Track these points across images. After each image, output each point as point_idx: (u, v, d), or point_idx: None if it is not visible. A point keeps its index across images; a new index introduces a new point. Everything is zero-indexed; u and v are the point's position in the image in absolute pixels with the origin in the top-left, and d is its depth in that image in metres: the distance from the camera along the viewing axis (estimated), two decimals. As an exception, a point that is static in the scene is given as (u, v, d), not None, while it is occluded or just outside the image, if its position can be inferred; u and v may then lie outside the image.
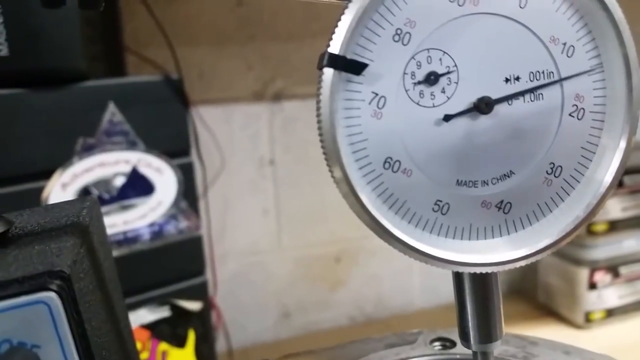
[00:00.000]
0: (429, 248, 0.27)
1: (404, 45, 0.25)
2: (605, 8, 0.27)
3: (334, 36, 0.24)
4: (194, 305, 0.70)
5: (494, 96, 0.26)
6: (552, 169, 0.28)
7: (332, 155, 0.25)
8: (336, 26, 0.24)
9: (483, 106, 0.26)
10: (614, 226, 0.92)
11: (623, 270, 0.94)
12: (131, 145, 0.66)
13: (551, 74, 0.27)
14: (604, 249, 0.93)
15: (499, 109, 0.27)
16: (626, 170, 0.28)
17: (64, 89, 0.61)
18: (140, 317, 0.65)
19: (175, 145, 0.70)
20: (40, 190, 0.61)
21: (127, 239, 0.66)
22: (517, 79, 0.27)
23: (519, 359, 0.37)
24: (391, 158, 0.26)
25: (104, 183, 0.65)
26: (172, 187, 0.69)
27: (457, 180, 0.27)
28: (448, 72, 0.26)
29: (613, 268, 0.93)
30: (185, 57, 0.77)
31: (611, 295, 0.94)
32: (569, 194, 0.28)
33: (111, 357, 0.29)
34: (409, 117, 0.26)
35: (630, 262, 0.95)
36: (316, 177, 0.93)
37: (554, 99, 0.27)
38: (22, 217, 0.32)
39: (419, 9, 0.25)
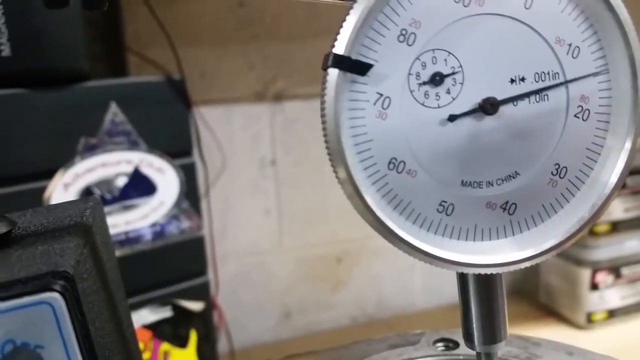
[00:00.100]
0: (433, 249, 0.26)
1: (409, 45, 0.25)
2: (611, 9, 0.26)
3: (338, 37, 0.24)
4: (195, 306, 0.70)
5: (499, 97, 0.26)
6: (557, 170, 0.28)
7: (336, 156, 0.25)
8: (341, 27, 0.24)
9: (488, 107, 0.26)
10: (616, 227, 0.92)
11: (625, 271, 0.94)
12: (133, 146, 0.66)
13: (556, 74, 0.27)
14: (606, 250, 0.93)
15: (504, 109, 0.27)
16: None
17: (66, 89, 0.61)
18: (142, 318, 0.65)
19: (177, 145, 0.70)
20: (42, 190, 0.60)
21: (129, 239, 0.66)
22: (523, 79, 0.27)
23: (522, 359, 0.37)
24: (396, 159, 0.26)
25: (106, 183, 0.65)
26: (174, 188, 0.69)
27: (462, 181, 0.27)
28: (453, 73, 0.26)
29: (615, 269, 0.93)
30: (186, 57, 0.77)
31: (613, 296, 0.94)
32: (574, 195, 0.28)
33: (114, 357, 0.29)
34: (414, 117, 0.26)
35: (632, 263, 0.95)
36: (317, 178, 0.93)
37: (559, 100, 0.27)
38: (25, 218, 0.32)
39: (424, 9, 0.25)
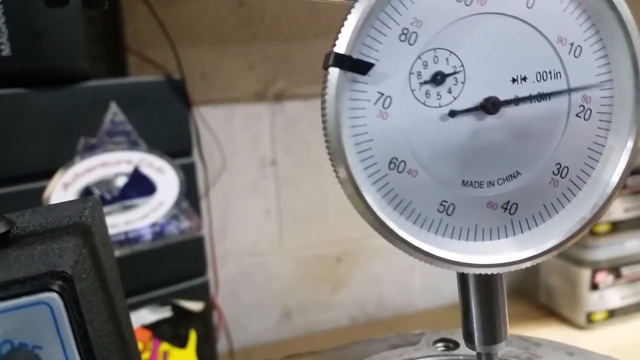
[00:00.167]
0: (434, 249, 0.26)
1: (411, 45, 0.25)
2: (613, 8, 0.26)
3: (340, 36, 0.24)
4: (195, 306, 0.70)
5: (501, 96, 0.26)
6: (558, 169, 0.28)
7: (337, 156, 0.25)
8: (342, 25, 0.24)
9: (490, 106, 0.26)
10: (616, 227, 0.92)
11: (625, 271, 0.94)
12: (133, 145, 0.65)
13: (558, 74, 0.27)
14: (606, 250, 0.93)
15: (506, 109, 0.26)
16: (628, 171, 0.28)
17: (66, 88, 0.61)
18: (141, 318, 0.65)
19: (177, 145, 0.69)
20: (41, 190, 0.60)
21: (129, 239, 0.66)
22: (524, 79, 0.27)
23: (523, 360, 0.37)
24: (396, 158, 0.26)
25: (106, 183, 0.64)
26: (174, 187, 0.69)
27: (463, 181, 0.27)
28: (455, 72, 0.26)
29: (615, 269, 0.93)
30: (187, 57, 0.77)
31: (613, 296, 0.94)
32: (575, 195, 0.28)
33: (113, 358, 0.29)
34: (415, 117, 0.26)
35: (632, 263, 0.94)
36: (317, 178, 0.93)
37: (560, 99, 0.27)
38: (23, 217, 0.32)
39: (426, 8, 0.25)
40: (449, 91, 0.26)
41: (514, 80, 0.26)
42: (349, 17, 0.24)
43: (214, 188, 0.86)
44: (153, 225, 0.67)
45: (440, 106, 0.26)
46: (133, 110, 0.65)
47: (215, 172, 0.87)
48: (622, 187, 0.28)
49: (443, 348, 0.39)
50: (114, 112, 0.64)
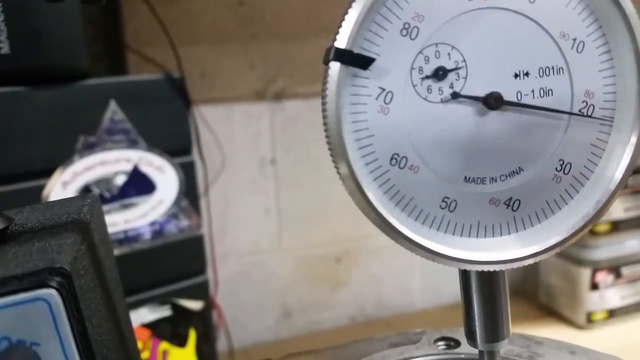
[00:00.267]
0: (436, 246, 0.26)
1: (412, 39, 0.25)
2: (616, 3, 0.26)
3: (340, 30, 0.24)
4: (195, 305, 0.70)
5: (503, 91, 0.26)
6: (561, 165, 0.27)
7: (338, 151, 0.24)
8: (343, 20, 0.24)
9: (492, 101, 0.26)
10: (616, 226, 0.92)
11: (625, 270, 0.94)
12: (132, 144, 0.65)
13: (561, 69, 0.27)
14: (606, 250, 0.92)
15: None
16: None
17: (65, 87, 0.61)
18: (141, 316, 0.65)
19: (176, 144, 0.69)
20: (40, 188, 0.60)
21: (128, 238, 0.66)
22: (527, 74, 0.26)
23: (524, 358, 0.37)
24: (398, 154, 0.25)
25: (105, 182, 0.64)
26: (173, 186, 0.69)
27: (465, 177, 0.27)
28: (457, 67, 0.26)
29: (615, 268, 0.93)
30: (186, 56, 0.77)
31: (613, 295, 0.93)
32: (578, 191, 0.28)
33: (112, 355, 0.29)
34: (417, 112, 0.25)
35: (632, 263, 0.94)
36: (317, 177, 0.93)
37: (563, 95, 0.27)
38: (22, 214, 0.32)
39: (428, 3, 0.25)
40: (451, 86, 0.26)
41: (516, 75, 0.26)
42: (350, 11, 0.24)
43: (213, 187, 0.86)
44: (152, 224, 0.67)
45: (441, 102, 0.26)
46: (133, 108, 0.65)
47: (215, 171, 0.87)
48: (625, 183, 0.28)
49: (444, 347, 0.39)
50: (113, 111, 0.64)
